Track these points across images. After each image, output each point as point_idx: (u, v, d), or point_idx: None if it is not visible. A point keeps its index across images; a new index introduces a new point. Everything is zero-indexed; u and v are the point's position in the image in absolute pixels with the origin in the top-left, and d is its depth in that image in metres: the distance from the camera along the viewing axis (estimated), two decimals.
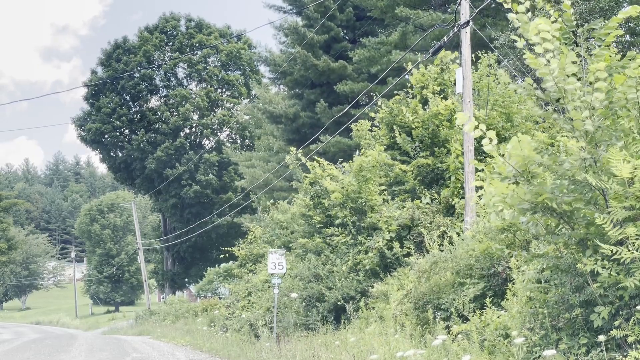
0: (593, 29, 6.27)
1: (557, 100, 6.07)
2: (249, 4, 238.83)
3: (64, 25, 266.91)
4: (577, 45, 6.28)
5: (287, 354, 11.57)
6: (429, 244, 11.84)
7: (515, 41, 6.18)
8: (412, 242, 14.23)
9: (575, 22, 6.18)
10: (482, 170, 6.84)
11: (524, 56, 6.11)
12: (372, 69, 27.74)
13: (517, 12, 6.04)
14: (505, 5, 6.17)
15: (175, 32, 58.26)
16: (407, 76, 19.67)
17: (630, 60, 5.96)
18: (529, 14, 6.02)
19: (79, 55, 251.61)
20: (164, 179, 53.49)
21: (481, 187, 6.42)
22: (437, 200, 15.42)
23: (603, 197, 5.90)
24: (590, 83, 5.80)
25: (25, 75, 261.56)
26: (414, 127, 16.84)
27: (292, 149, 18.71)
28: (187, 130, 58.01)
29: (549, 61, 5.83)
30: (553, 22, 5.91)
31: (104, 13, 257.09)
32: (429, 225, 14.22)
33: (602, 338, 5.52)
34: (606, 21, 6.14)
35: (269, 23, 34.75)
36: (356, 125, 19.64)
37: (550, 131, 13.63)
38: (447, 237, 11.71)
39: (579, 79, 5.93)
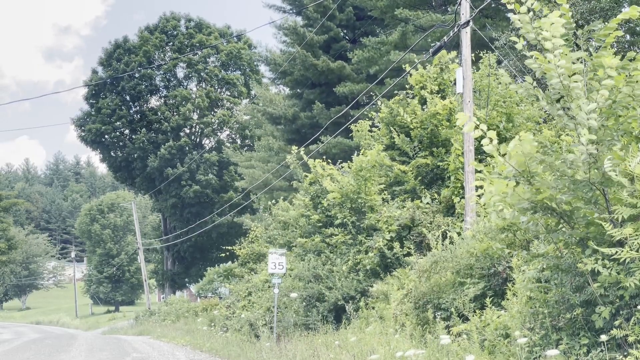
0: (593, 30, 6.28)
1: (558, 101, 6.07)
2: (249, 4, 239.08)
3: (67, 25, 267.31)
4: (577, 47, 6.29)
5: (287, 353, 11.57)
6: (433, 242, 11.80)
7: (515, 42, 6.19)
8: (412, 242, 14.24)
9: (574, 24, 6.19)
10: (481, 171, 6.85)
11: (527, 60, 6.11)
12: (371, 70, 27.74)
13: (519, 13, 6.05)
14: (509, 6, 6.18)
15: (175, 32, 58.26)
16: (407, 77, 19.67)
17: (630, 60, 5.96)
18: (530, 13, 6.03)
19: (81, 56, 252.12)
20: (165, 178, 53.49)
21: (481, 187, 6.43)
22: (437, 200, 15.42)
23: (603, 196, 5.91)
24: (596, 79, 5.80)
25: (28, 76, 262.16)
26: (412, 127, 16.84)
27: (294, 148, 18.73)
28: (187, 130, 58.03)
29: (555, 57, 5.84)
30: (551, 24, 5.92)
31: (106, 13, 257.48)
32: (429, 225, 14.22)
33: (604, 338, 5.51)
34: (606, 22, 6.15)
35: (269, 23, 34.89)
36: (356, 126, 19.66)
37: (554, 129, 13.63)
38: (448, 237, 11.70)
39: (578, 80, 5.94)
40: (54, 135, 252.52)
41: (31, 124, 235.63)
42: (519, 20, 6.02)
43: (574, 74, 5.82)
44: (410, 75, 18.18)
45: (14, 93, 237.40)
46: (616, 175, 5.62)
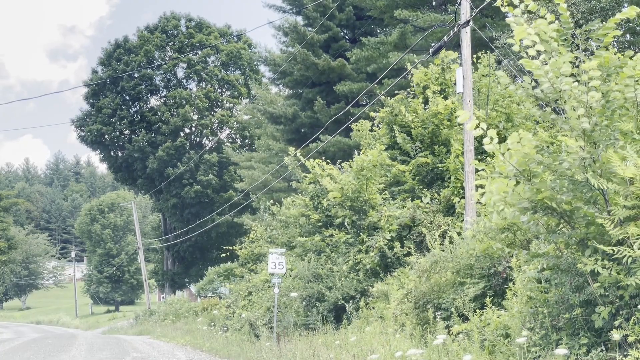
0: (591, 29, 6.28)
1: (556, 101, 6.08)
2: (249, 4, 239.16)
3: (72, 25, 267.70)
4: (576, 47, 6.29)
5: (287, 353, 11.58)
6: (431, 243, 11.81)
7: (512, 45, 6.19)
8: (412, 242, 14.23)
9: (572, 24, 6.19)
10: (483, 170, 6.85)
11: (520, 61, 6.13)
12: (369, 68, 27.75)
13: (513, 15, 6.05)
14: (502, 9, 6.19)
15: (176, 32, 58.24)
16: (407, 76, 19.65)
17: (629, 59, 5.96)
18: (525, 16, 6.04)
19: (85, 55, 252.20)
20: (165, 178, 53.50)
21: (482, 186, 6.44)
22: (437, 200, 15.43)
23: (603, 196, 5.91)
24: (586, 82, 5.81)
25: (32, 75, 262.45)
26: (413, 126, 16.85)
27: (291, 149, 18.72)
28: (187, 130, 58.03)
29: (545, 62, 5.85)
30: (550, 23, 5.92)
31: (111, 13, 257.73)
32: (429, 225, 14.22)
33: (616, 337, 5.44)
34: (604, 22, 6.15)
35: (269, 23, 34.76)
36: (357, 125, 19.67)
37: (551, 130, 13.64)
38: (448, 236, 11.70)
39: (577, 81, 5.94)
40: (57, 135, 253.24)
41: (35, 123, 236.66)
42: (515, 23, 6.02)
43: (567, 75, 5.83)
44: (412, 75, 18.18)
45: (18, 93, 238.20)
46: (608, 180, 5.62)
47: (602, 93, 5.85)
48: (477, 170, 13.17)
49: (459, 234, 11.62)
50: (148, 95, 58.28)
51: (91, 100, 56.78)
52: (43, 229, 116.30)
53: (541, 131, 14.09)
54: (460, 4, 14.16)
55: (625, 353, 5.53)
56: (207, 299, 33.43)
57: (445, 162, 15.89)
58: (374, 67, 27.24)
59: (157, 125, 56.03)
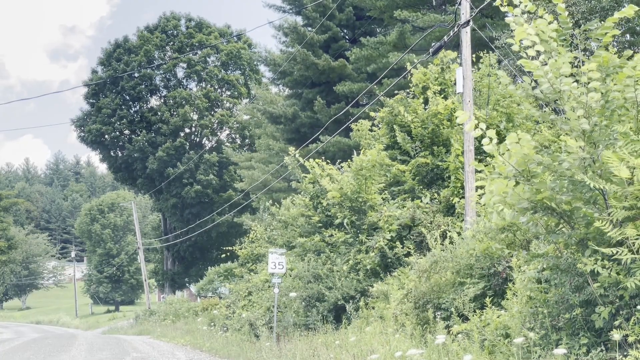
0: (590, 29, 6.28)
1: (555, 102, 6.08)
2: (249, 4, 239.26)
3: (72, 25, 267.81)
4: (575, 48, 6.30)
5: (287, 353, 11.58)
6: (431, 243, 11.81)
7: (512, 45, 6.19)
8: (412, 242, 14.23)
9: (570, 24, 6.19)
10: (482, 171, 6.85)
11: (519, 61, 6.13)
12: (369, 68, 27.76)
13: (513, 15, 6.06)
14: (502, 9, 6.19)
15: (175, 32, 58.24)
16: (407, 76, 19.65)
17: (627, 59, 5.96)
18: (525, 16, 6.04)
19: (85, 55, 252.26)
20: (165, 178, 53.51)
21: (482, 187, 6.44)
22: (437, 200, 15.43)
23: (602, 196, 5.90)
24: (585, 83, 5.82)
25: (32, 75, 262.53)
26: (413, 126, 16.85)
27: (291, 149, 18.72)
28: (187, 130, 58.04)
29: (545, 63, 5.85)
30: (549, 23, 5.92)
31: (111, 13, 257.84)
32: (429, 225, 14.21)
33: (616, 337, 5.43)
34: (603, 22, 6.15)
35: (269, 23, 34.75)
36: (356, 125, 19.67)
37: (553, 129, 13.64)
38: (448, 236, 11.69)
39: (577, 81, 5.94)
40: (57, 135, 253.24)
41: (35, 123, 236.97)
42: (514, 22, 6.02)
43: (567, 76, 5.83)
44: (411, 75, 18.18)
45: (18, 93, 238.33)
46: (608, 180, 5.62)
47: (602, 93, 5.85)
48: (477, 171, 13.17)
49: (459, 234, 11.62)
50: (148, 95, 58.28)
51: (91, 100, 56.80)
52: (43, 229, 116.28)
53: (545, 129, 14.09)
54: (460, 4, 14.16)
55: (625, 353, 5.53)
56: (207, 299, 33.42)
57: (445, 162, 15.89)
58: (373, 67, 27.28)
59: (157, 125, 56.01)
